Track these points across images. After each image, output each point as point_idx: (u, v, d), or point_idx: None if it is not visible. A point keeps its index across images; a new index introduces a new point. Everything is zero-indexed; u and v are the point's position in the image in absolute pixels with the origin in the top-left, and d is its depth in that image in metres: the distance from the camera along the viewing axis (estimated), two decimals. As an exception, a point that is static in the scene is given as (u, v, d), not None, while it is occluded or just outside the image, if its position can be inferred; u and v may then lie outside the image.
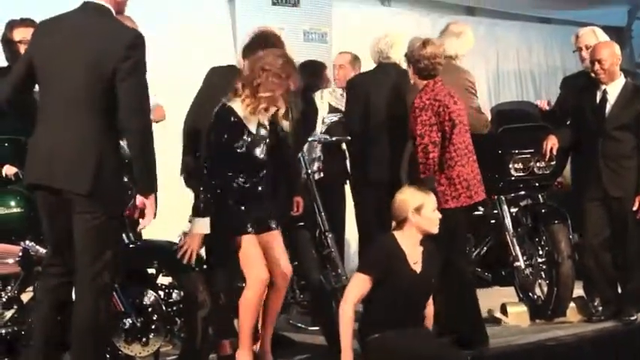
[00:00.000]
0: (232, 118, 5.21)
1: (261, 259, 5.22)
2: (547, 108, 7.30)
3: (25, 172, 4.69)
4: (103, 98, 4.41)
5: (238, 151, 5.22)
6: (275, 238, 5.38)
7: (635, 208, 6.61)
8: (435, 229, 5.32)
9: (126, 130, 4.44)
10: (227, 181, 5.23)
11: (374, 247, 5.44)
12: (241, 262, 5.22)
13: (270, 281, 5.24)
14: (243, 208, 5.24)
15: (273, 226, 5.39)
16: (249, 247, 5.21)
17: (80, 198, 4.40)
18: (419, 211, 5.27)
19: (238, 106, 5.24)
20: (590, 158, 6.73)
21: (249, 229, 5.22)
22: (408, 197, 5.32)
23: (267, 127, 5.36)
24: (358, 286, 5.23)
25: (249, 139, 5.26)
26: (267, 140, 5.36)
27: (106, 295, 4.49)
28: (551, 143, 6.78)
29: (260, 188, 5.33)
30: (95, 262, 4.43)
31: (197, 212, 5.20)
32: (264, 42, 5.64)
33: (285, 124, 5.56)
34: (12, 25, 6.01)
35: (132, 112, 4.40)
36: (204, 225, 5.12)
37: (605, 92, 6.71)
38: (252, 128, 5.29)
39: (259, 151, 5.32)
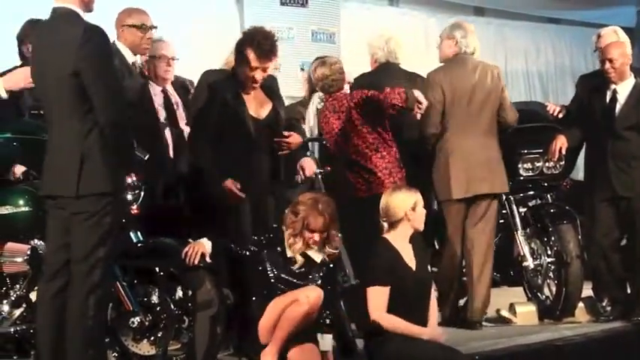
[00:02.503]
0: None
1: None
2: (559, 115, 7.18)
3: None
4: (78, 101, 4.46)
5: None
6: None
7: None
8: (422, 226, 5.41)
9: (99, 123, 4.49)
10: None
11: (375, 258, 5.42)
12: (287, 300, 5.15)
13: None
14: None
15: None
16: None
17: (71, 200, 4.47)
18: (414, 209, 5.37)
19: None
20: (599, 158, 6.72)
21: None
22: (405, 197, 5.39)
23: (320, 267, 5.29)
24: (379, 298, 5.25)
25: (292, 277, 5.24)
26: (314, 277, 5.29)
27: (97, 293, 4.48)
28: (560, 143, 6.76)
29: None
30: (87, 259, 4.46)
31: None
32: (250, 40, 5.62)
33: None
34: (27, 25, 6.09)
35: (97, 107, 4.45)
36: (207, 245, 5.12)
37: (615, 92, 6.70)
38: (295, 266, 5.26)
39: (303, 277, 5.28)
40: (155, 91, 6.25)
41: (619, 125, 6.65)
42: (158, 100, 6.23)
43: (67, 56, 4.43)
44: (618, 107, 6.69)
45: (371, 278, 5.34)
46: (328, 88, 6.38)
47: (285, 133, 5.81)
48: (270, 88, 5.89)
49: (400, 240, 5.38)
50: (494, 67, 6.81)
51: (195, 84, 6.01)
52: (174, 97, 6.34)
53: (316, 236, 5.23)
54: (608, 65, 6.64)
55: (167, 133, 6.21)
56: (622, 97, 6.68)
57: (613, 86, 6.69)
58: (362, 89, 6.35)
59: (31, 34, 5.71)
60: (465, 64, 6.64)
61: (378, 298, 5.26)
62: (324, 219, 5.22)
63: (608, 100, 6.71)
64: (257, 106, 5.78)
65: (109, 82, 4.51)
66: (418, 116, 6.33)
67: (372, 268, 5.39)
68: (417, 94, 6.15)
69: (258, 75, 5.64)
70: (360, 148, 6.24)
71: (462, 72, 6.60)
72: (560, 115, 7.08)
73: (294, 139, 5.88)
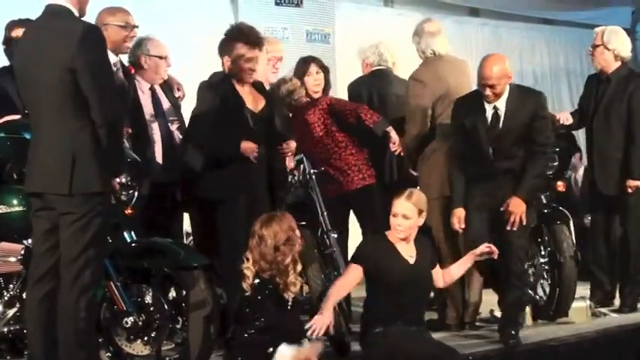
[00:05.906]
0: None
1: None
2: (566, 123, 7.14)
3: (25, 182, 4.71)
4: (71, 98, 4.44)
5: None
6: None
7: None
8: (400, 235, 5.42)
9: (95, 123, 4.46)
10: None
11: (363, 242, 5.65)
12: None
13: None
14: None
15: None
16: None
17: (62, 198, 4.43)
18: (421, 214, 5.41)
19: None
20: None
21: None
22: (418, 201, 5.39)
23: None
24: (347, 274, 5.38)
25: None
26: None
27: (87, 294, 4.45)
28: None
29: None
30: (77, 260, 4.43)
31: None
32: (237, 35, 5.76)
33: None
34: (11, 26, 6.08)
35: (94, 107, 4.43)
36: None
37: (495, 108, 6.09)
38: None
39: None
40: (143, 88, 6.27)
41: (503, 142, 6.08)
42: (146, 98, 6.25)
43: (65, 52, 4.40)
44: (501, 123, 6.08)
45: (351, 258, 5.46)
46: (293, 102, 6.62)
47: (284, 144, 6.09)
48: (263, 88, 6.04)
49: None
50: (463, 62, 6.80)
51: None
52: (162, 96, 6.38)
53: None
54: (489, 91, 5.97)
55: (155, 129, 6.23)
56: (502, 112, 6.05)
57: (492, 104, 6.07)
58: (346, 101, 6.72)
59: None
60: (437, 66, 6.61)
61: (345, 274, 5.40)
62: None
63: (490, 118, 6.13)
64: (253, 101, 5.86)
65: (105, 82, 4.52)
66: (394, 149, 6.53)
67: (357, 249, 5.47)
68: (392, 132, 6.40)
69: (253, 65, 5.79)
70: (329, 147, 6.48)
71: (437, 73, 6.56)
72: (568, 123, 7.13)
73: (292, 145, 6.15)
